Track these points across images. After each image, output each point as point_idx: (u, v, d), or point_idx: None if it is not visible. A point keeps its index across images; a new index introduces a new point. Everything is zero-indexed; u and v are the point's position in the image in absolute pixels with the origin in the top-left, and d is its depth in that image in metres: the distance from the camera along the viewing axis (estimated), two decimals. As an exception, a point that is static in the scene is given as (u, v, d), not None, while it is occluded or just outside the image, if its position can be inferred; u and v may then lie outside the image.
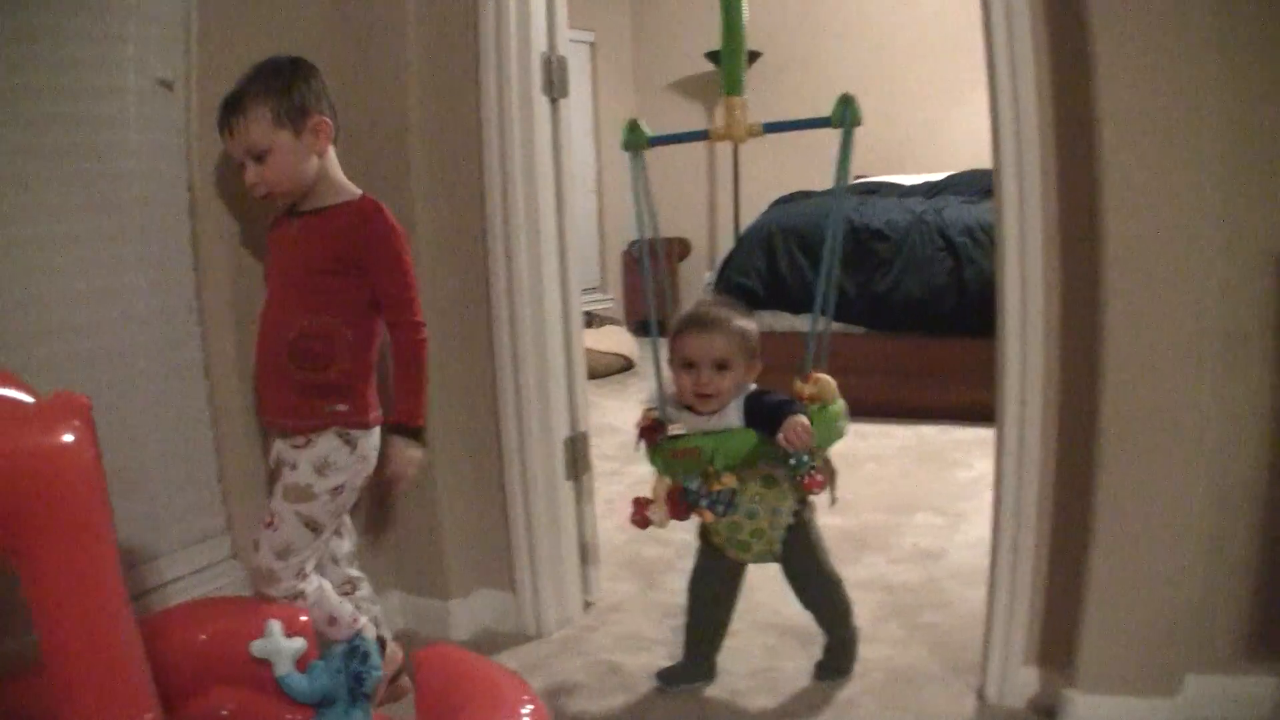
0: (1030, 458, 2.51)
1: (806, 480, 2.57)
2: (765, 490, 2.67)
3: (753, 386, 2.71)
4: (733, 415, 2.66)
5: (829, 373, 2.72)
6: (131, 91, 2.69)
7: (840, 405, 2.74)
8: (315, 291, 2.58)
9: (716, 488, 2.65)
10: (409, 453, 2.65)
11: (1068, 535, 2.49)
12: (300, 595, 2.61)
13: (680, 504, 2.70)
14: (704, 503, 2.66)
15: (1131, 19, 2.21)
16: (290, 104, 2.53)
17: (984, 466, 2.59)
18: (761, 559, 2.79)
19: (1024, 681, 2.61)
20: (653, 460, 2.73)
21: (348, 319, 2.60)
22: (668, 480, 2.69)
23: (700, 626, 2.95)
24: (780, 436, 2.49)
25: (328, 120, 2.59)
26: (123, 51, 2.68)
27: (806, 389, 2.71)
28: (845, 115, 2.60)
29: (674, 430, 2.75)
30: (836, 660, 2.90)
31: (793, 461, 2.54)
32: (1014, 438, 2.54)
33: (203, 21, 2.81)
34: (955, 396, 5.43)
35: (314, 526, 2.58)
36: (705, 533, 2.85)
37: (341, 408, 2.58)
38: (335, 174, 2.65)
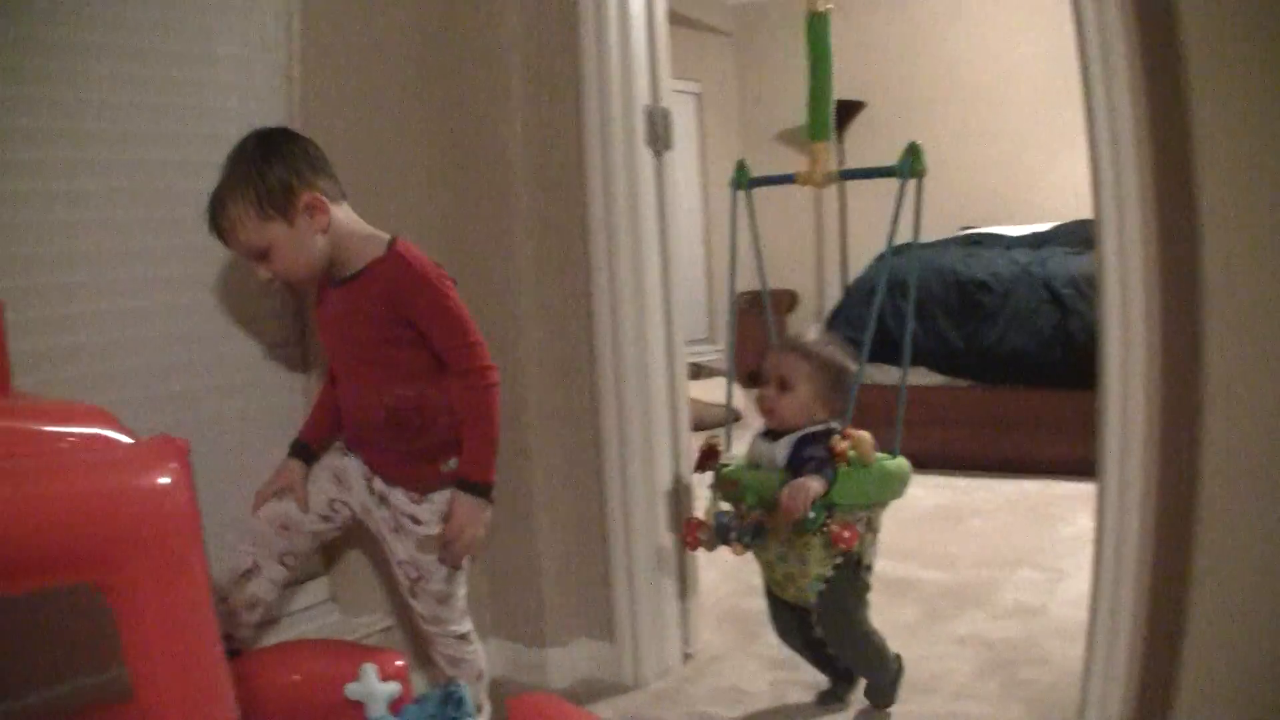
0: (1130, 513, 2.46)
1: (833, 535, 2.59)
2: (794, 537, 2.70)
3: (825, 425, 2.75)
4: (781, 451, 2.72)
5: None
6: (233, 139, 2.67)
7: (895, 463, 2.79)
8: (386, 365, 2.49)
9: (745, 520, 2.71)
10: (475, 510, 2.52)
11: (1168, 594, 2.45)
12: (466, 638, 2.67)
13: (713, 532, 2.78)
14: (733, 534, 2.71)
15: (1229, 68, 2.19)
16: (270, 191, 2.33)
17: (1086, 522, 2.57)
18: (798, 602, 2.83)
19: (1119, 742, 2.55)
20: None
21: (429, 380, 2.52)
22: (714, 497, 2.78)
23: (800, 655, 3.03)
24: (782, 493, 2.56)
25: (319, 196, 2.39)
26: (224, 101, 2.76)
27: (843, 445, 2.67)
28: (906, 166, 2.70)
29: (726, 458, 2.87)
30: (874, 696, 2.95)
31: (799, 515, 2.56)
32: (1114, 493, 2.49)
33: (305, 72, 2.88)
34: (1059, 450, 5.37)
35: (458, 565, 2.60)
36: None
37: (453, 464, 2.53)
38: (353, 230, 2.49)
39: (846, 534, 2.58)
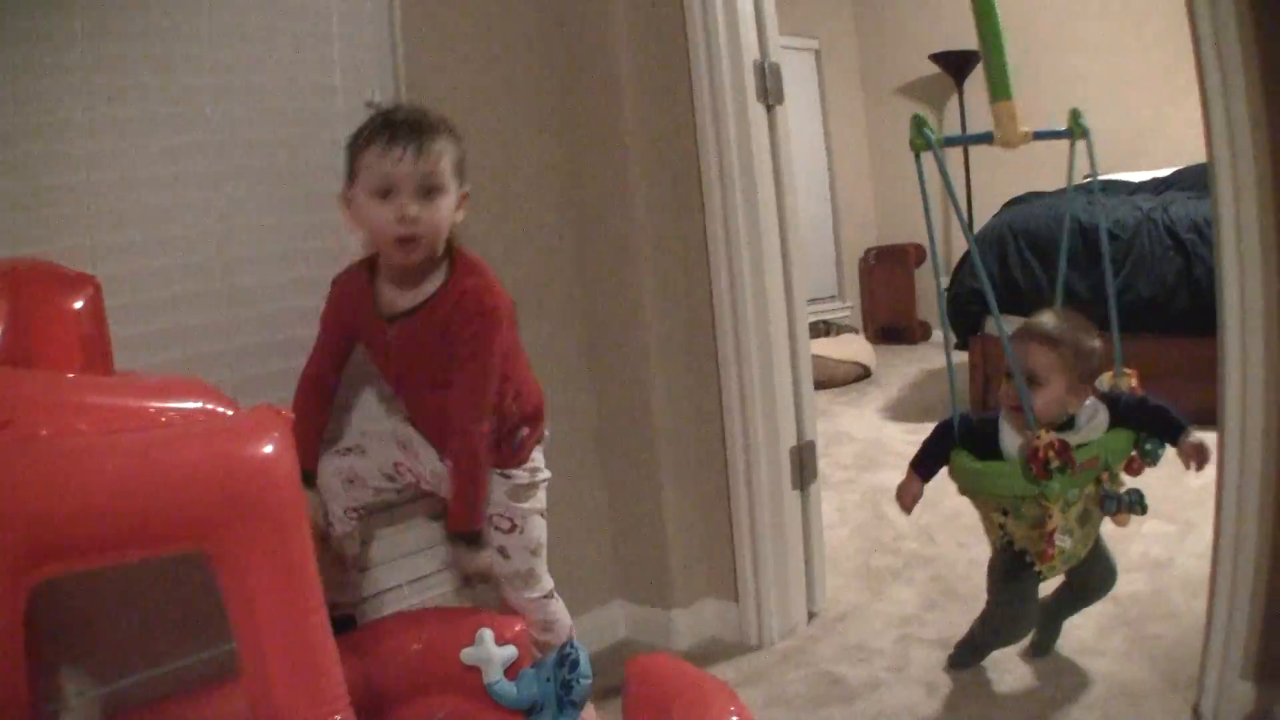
0: (1252, 464, 2.43)
1: (1135, 466, 2.75)
2: (1097, 489, 2.71)
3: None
4: (1102, 418, 2.69)
5: None
6: (341, 115, 2.76)
7: None
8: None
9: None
10: (477, 560, 2.59)
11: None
12: (553, 595, 2.70)
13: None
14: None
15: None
16: (463, 162, 2.43)
17: (1215, 472, 2.54)
18: (1066, 566, 2.81)
19: (1241, 697, 2.50)
20: (1046, 486, 2.52)
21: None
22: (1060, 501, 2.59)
23: (1011, 643, 2.98)
24: (1192, 464, 2.61)
25: (468, 195, 2.47)
26: (330, 77, 2.78)
27: (1126, 382, 2.82)
28: (1085, 128, 2.81)
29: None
30: (1049, 639, 3.03)
31: (1149, 448, 2.72)
32: (1235, 443, 2.46)
33: (408, 43, 2.89)
34: (1188, 398, 5.25)
35: (544, 514, 2.66)
36: (1016, 553, 2.75)
37: (524, 432, 2.61)
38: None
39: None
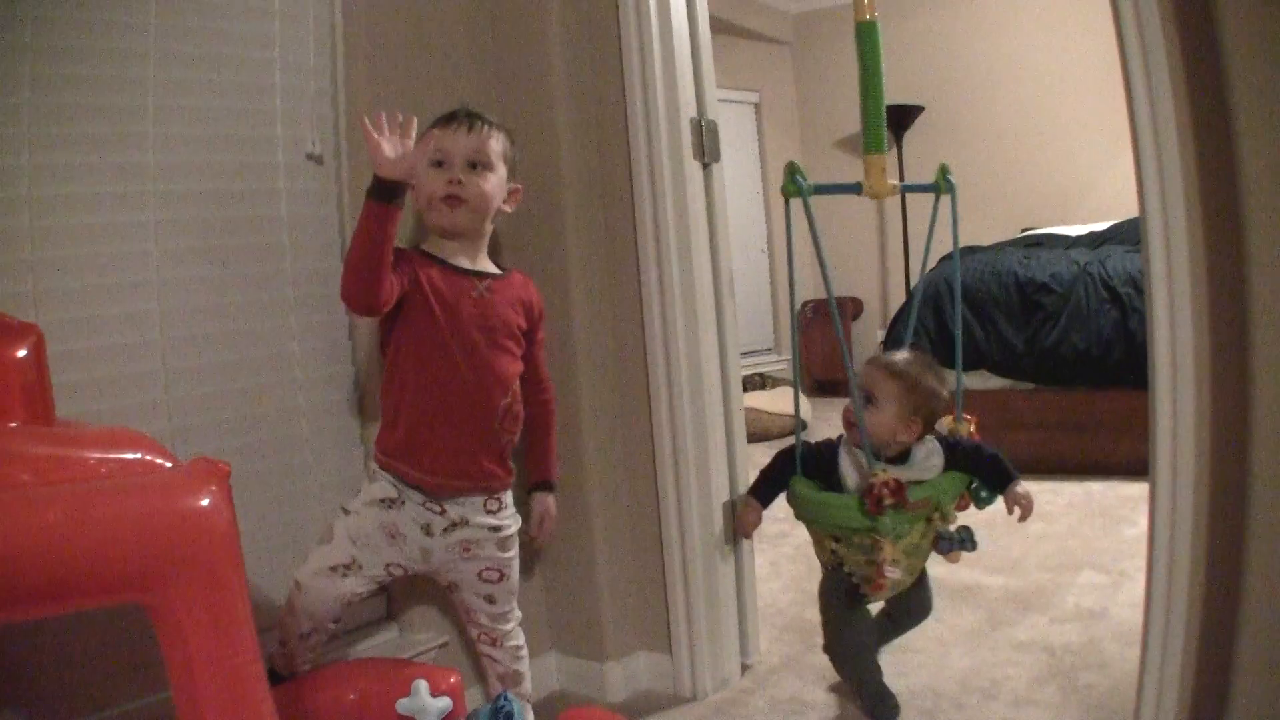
0: (1183, 516, 2.40)
1: (963, 504, 2.97)
2: (928, 526, 2.89)
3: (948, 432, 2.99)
4: (936, 460, 2.91)
5: (991, 429, 2.91)
6: (281, 166, 2.78)
7: None
8: (513, 357, 2.70)
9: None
10: (554, 505, 2.93)
11: (1222, 595, 2.41)
12: (520, 621, 2.82)
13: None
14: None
15: (1271, 61, 2.17)
16: (514, 160, 2.73)
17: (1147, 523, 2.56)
18: (893, 592, 3.01)
19: (1174, 747, 2.49)
20: (878, 521, 2.74)
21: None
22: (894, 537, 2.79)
23: (874, 669, 3.05)
24: (1016, 512, 2.86)
25: (519, 191, 2.77)
26: (271, 129, 2.78)
27: (965, 428, 3.04)
28: (951, 184, 3.05)
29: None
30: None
31: (984, 495, 2.96)
32: (1166, 494, 2.43)
33: (349, 96, 2.90)
34: (1123, 450, 5.32)
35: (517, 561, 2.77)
36: (845, 576, 2.95)
37: (510, 462, 2.74)
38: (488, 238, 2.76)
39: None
